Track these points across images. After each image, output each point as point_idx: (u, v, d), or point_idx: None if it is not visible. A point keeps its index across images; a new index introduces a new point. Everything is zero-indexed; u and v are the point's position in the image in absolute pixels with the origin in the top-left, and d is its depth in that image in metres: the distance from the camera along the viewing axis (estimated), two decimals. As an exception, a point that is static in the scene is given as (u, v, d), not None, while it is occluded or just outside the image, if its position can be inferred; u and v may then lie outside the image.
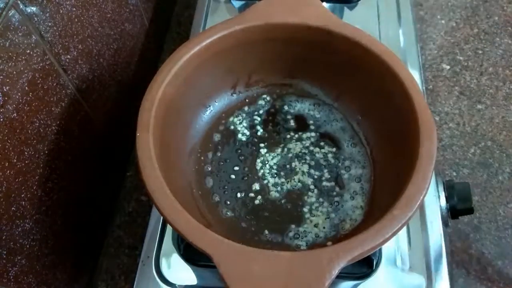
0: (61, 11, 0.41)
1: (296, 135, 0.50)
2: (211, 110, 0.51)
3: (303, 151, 0.49)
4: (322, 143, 0.49)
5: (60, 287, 0.46)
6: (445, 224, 0.47)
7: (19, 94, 0.36)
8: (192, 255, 0.45)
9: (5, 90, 0.34)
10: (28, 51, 0.37)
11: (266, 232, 0.44)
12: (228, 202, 0.46)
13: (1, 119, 0.34)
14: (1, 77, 0.34)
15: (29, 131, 0.38)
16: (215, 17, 0.63)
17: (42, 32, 0.39)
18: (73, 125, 0.46)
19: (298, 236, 0.43)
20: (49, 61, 0.40)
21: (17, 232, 0.38)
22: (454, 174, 0.63)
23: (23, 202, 0.38)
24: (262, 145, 0.49)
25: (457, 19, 0.79)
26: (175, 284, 0.44)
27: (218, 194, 0.46)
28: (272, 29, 0.46)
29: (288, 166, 0.48)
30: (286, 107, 0.51)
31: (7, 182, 0.35)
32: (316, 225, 0.44)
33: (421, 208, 0.47)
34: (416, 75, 0.57)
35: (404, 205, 0.35)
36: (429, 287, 0.43)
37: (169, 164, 0.41)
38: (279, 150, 0.49)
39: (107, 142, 0.55)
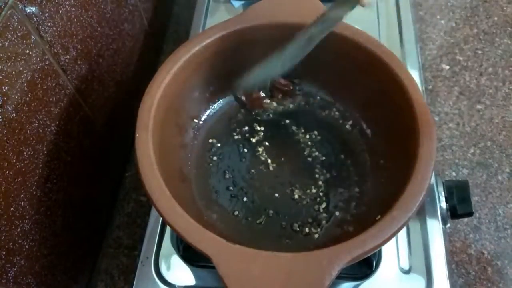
0: (60, 11, 0.41)
1: (296, 135, 0.50)
2: (211, 110, 0.51)
3: (304, 151, 0.49)
4: (322, 144, 0.49)
5: (59, 288, 0.46)
6: (444, 224, 0.47)
7: (18, 94, 0.36)
8: (191, 255, 0.45)
9: (4, 90, 0.34)
10: (27, 51, 0.37)
11: (266, 232, 0.44)
12: (228, 203, 0.45)
13: (0, 119, 0.34)
14: (0, 77, 0.34)
15: (28, 131, 0.38)
16: (214, 17, 0.63)
17: (41, 32, 0.39)
18: (72, 126, 0.46)
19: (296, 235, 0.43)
20: (48, 61, 0.40)
21: (16, 233, 0.38)
22: (454, 174, 0.63)
23: (22, 203, 0.38)
24: (263, 145, 0.49)
25: (456, 19, 0.79)
26: (174, 285, 0.44)
27: (218, 194, 0.46)
28: (271, 29, 0.46)
29: (288, 167, 0.48)
30: (286, 107, 0.51)
31: (6, 182, 0.35)
32: (314, 225, 0.44)
33: (421, 208, 0.47)
34: (415, 75, 0.57)
35: (403, 206, 0.35)
36: (428, 287, 0.43)
37: (168, 165, 0.41)
38: (281, 150, 0.49)
39: (106, 142, 0.54)
